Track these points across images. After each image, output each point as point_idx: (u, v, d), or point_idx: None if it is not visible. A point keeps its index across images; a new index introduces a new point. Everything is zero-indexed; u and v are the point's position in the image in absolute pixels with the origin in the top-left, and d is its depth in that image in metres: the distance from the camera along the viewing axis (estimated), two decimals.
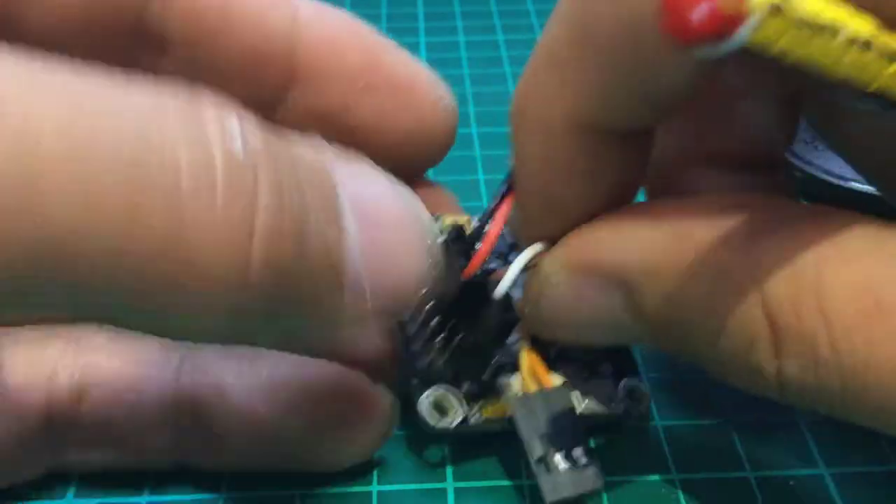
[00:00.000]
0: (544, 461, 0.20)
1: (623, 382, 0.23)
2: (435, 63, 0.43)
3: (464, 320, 0.21)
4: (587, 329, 0.20)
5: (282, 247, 0.15)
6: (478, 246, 0.21)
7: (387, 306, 0.18)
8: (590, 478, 0.20)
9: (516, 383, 0.22)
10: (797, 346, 0.16)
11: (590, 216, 0.19)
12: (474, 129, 0.37)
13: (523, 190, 0.20)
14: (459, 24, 0.47)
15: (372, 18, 0.48)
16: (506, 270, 0.20)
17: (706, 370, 0.19)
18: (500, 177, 0.24)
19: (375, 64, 0.23)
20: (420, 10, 0.48)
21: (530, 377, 0.22)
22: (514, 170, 0.20)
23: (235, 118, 0.15)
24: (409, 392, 0.22)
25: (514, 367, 0.22)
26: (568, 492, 0.20)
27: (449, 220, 0.23)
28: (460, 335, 0.21)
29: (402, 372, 0.21)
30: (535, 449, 0.20)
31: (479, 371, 0.22)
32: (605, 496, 0.22)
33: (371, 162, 0.19)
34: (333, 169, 0.17)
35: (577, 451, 0.21)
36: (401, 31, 0.45)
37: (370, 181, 0.18)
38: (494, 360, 0.22)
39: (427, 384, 0.21)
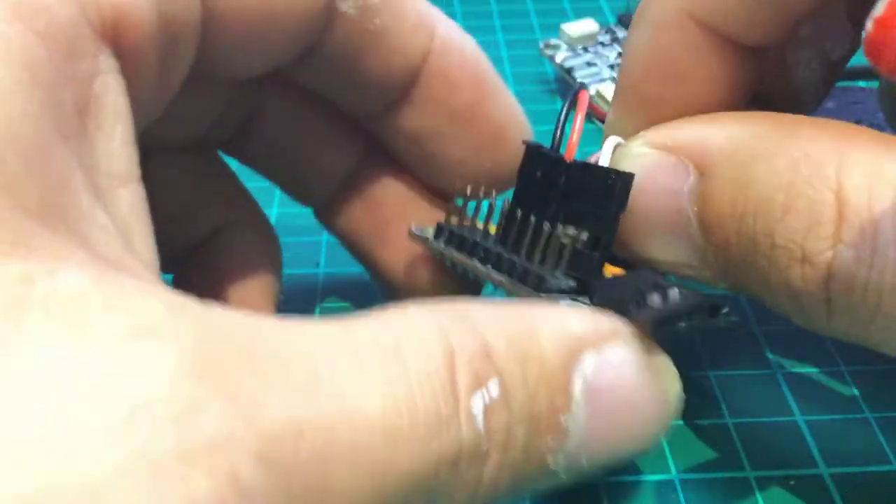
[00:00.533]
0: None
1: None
2: None
3: (576, 212, 0.21)
4: (648, 217, 0.20)
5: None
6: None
7: (602, 464, 0.18)
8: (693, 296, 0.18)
9: None
10: (859, 235, 0.17)
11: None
12: None
13: (622, 86, 0.22)
14: (459, 24, 0.47)
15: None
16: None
17: (750, 289, 0.19)
18: None
19: (482, 105, 0.24)
20: None
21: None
22: (621, 66, 0.22)
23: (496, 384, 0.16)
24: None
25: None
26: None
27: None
28: (582, 234, 0.21)
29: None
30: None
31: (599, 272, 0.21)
32: (605, 496, 0.22)
33: (624, 332, 0.18)
34: (583, 359, 0.17)
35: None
36: None
37: (614, 364, 0.17)
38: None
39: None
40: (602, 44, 0.41)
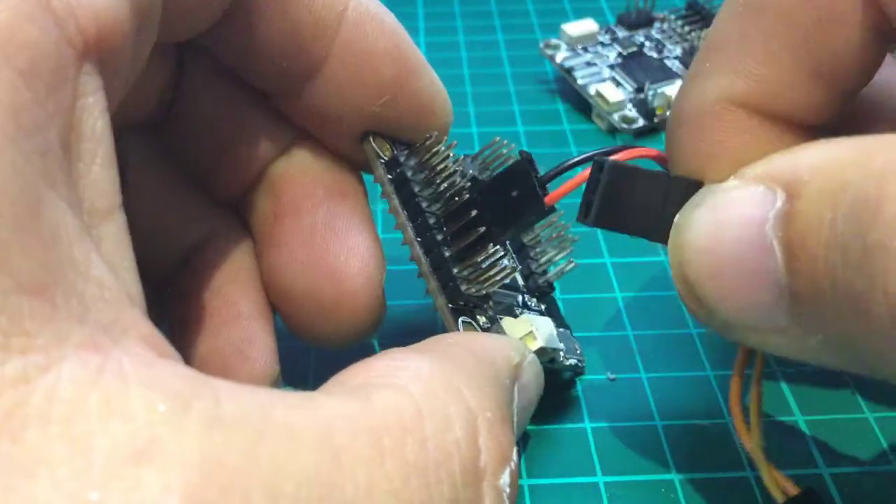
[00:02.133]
0: None
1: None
2: (435, 63, 0.43)
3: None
4: (732, 264, 0.18)
5: None
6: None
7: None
8: None
9: (514, 325, 0.23)
10: None
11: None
12: (474, 129, 0.37)
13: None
14: (459, 24, 0.47)
15: None
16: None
17: (844, 348, 0.16)
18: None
19: (404, 83, 0.23)
20: (420, 10, 0.48)
21: (775, 489, 0.20)
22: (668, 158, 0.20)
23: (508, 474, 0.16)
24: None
25: (510, 308, 0.24)
26: None
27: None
28: (509, 265, 0.22)
29: (429, 290, 0.23)
30: None
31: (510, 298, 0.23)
32: (605, 496, 0.22)
33: (527, 351, 0.21)
34: (515, 389, 0.19)
35: None
36: None
37: (526, 385, 0.20)
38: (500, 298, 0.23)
39: (458, 312, 0.22)
40: (602, 44, 0.41)
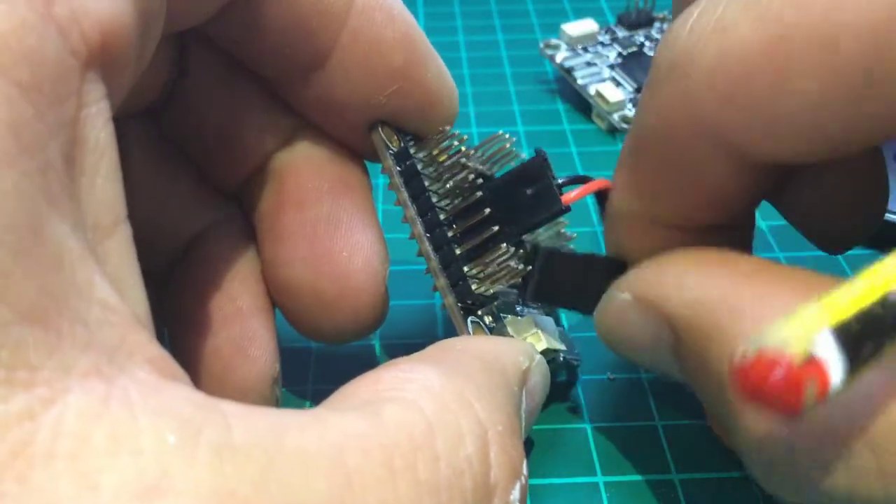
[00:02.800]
0: None
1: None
2: None
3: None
4: (634, 349, 0.21)
5: None
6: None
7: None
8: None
9: (518, 325, 0.23)
10: (821, 445, 0.16)
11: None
12: (474, 129, 0.37)
13: (629, 164, 0.21)
14: (459, 23, 0.47)
15: None
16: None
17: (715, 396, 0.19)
18: (506, 167, 0.25)
19: (413, 72, 0.23)
20: (420, 10, 0.48)
21: None
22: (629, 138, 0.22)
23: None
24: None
25: (511, 307, 0.24)
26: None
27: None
28: (520, 266, 0.22)
29: (437, 287, 0.22)
30: None
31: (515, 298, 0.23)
32: (605, 496, 0.22)
33: (534, 353, 0.21)
34: (523, 393, 0.19)
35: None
36: None
37: (535, 385, 0.20)
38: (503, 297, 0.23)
39: (467, 311, 0.22)
40: (602, 44, 0.41)
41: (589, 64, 0.39)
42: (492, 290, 0.22)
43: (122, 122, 0.21)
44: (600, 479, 0.23)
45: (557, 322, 0.26)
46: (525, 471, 0.16)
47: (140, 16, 0.15)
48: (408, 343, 0.25)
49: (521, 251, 0.22)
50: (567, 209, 0.22)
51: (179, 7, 0.19)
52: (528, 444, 0.24)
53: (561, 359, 0.24)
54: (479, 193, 0.22)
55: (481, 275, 0.22)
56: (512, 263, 0.22)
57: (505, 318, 0.23)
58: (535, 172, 0.22)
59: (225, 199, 0.25)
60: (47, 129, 0.13)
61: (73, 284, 0.13)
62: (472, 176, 0.22)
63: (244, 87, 0.23)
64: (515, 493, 0.16)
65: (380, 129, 0.23)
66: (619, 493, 0.22)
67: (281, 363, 0.23)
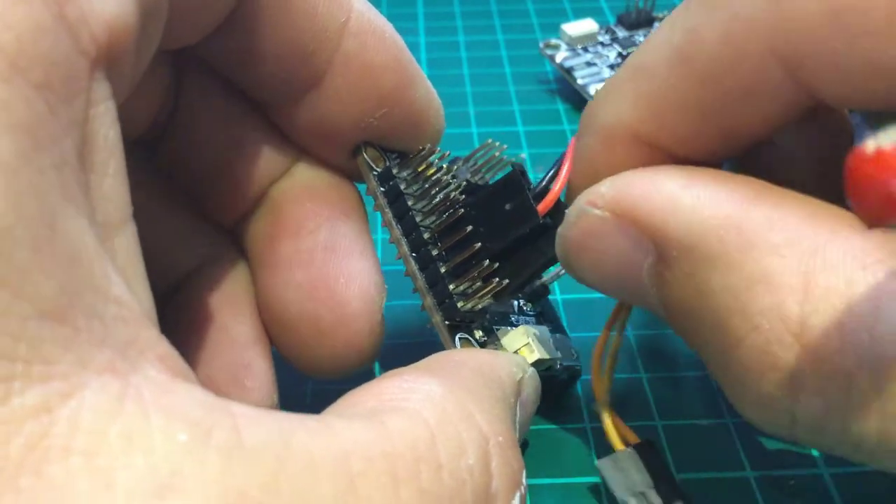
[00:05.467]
0: None
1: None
2: (435, 63, 0.43)
3: (513, 255, 0.22)
4: (605, 275, 0.19)
5: None
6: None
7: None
8: None
9: (510, 338, 0.23)
10: (828, 383, 0.15)
11: None
12: (474, 129, 0.37)
13: (573, 181, 0.21)
14: (459, 24, 0.47)
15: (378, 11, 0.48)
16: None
17: (707, 362, 0.18)
18: (499, 175, 0.25)
19: (403, 93, 0.23)
20: (420, 10, 0.48)
21: (615, 435, 0.22)
22: (573, 160, 0.21)
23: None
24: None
25: (505, 316, 0.24)
26: None
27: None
28: (505, 281, 0.22)
29: (425, 306, 0.22)
30: None
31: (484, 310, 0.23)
32: (604, 495, 0.22)
33: (528, 367, 0.21)
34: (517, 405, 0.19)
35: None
36: (401, 31, 0.45)
37: (527, 396, 0.20)
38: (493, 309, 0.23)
39: (455, 328, 0.22)
40: (602, 44, 0.41)
41: (589, 64, 0.39)
42: (479, 307, 0.22)
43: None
44: (601, 479, 0.23)
45: (558, 327, 0.26)
46: (524, 480, 0.16)
47: (142, 16, 0.15)
48: (406, 345, 0.25)
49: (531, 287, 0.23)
50: (544, 221, 0.22)
51: (178, 20, 0.19)
52: (523, 446, 0.24)
53: (558, 366, 0.24)
54: (462, 210, 0.22)
55: (467, 291, 0.22)
56: (494, 279, 0.22)
57: (497, 329, 0.23)
58: (513, 187, 0.22)
59: (220, 231, 0.25)
60: (61, 127, 0.13)
61: (90, 280, 0.13)
62: (453, 192, 0.22)
63: (242, 118, 0.24)
64: (516, 502, 0.16)
65: (363, 150, 0.23)
66: None
67: (280, 368, 0.23)
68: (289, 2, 0.21)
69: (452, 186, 0.23)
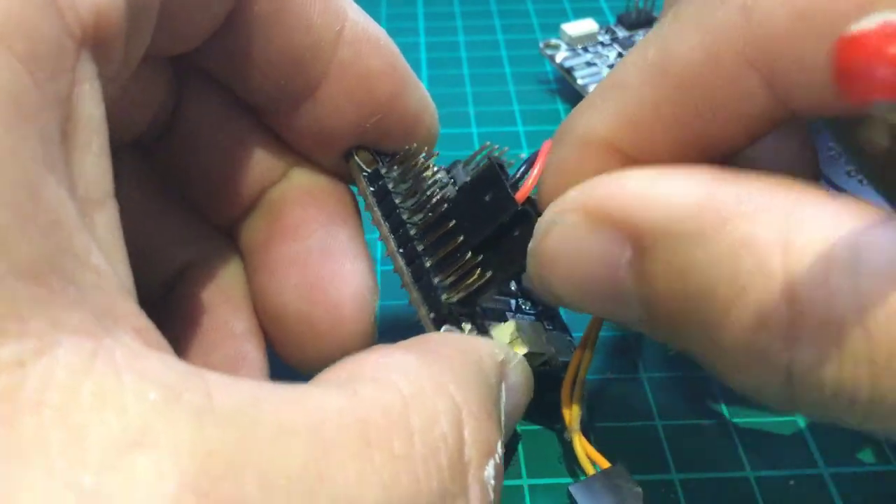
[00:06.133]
0: None
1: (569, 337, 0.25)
2: (435, 63, 0.43)
3: (497, 249, 0.22)
4: (582, 284, 0.19)
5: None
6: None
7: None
8: None
9: (500, 332, 0.23)
10: (820, 332, 0.15)
11: None
12: (474, 129, 0.37)
13: (545, 188, 0.21)
14: (459, 24, 0.47)
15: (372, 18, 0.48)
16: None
17: (701, 360, 0.18)
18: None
19: (398, 100, 0.23)
20: (420, 10, 0.48)
21: (586, 460, 0.22)
22: (546, 168, 0.21)
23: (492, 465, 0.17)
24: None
25: (501, 314, 0.24)
26: None
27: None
28: (488, 273, 0.22)
29: (412, 302, 0.23)
30: None
31: (477, 302, 0.23)
32: None
33: (513, 354, 0.21)
34: (502, 389, 0.19)
35: None
36: (401, 31, 0.45)
37: (513, 387, 0.20)
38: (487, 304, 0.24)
39: (440, 322, 0.22)
40: (602, 44, 0.41)
41: (589, 64, 0.39)
42: (456, 298, 0.22)
43: (117, 154, 0.22)
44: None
45: (558, 325, 0.26)
46: (500, 451, 0.17)
47: (130, 6, 0.16)
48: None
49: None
50: (524, 209, 0.22)
51: (172, 24, 0.19)
52: (515, 439, 0.24)
53: (556, 362, 0.24)
54: (445, 206, 0.23)
55: (450, 284, 0.22)
56: (477, 271, 0.22)
57: (490, 326, 0.23)
58: (491, 179, 0.22)
59: (214, 229, 0.25)
60: (45, 100, 0.13)
61: (69, 247, 0.13)
62: (438, 189, 0.23)
63: (240, 123, 0.24)
64: (489, 470, 0.16)
65: (354, 154, 0.24)
66: None
67: (275, 364, 0.23)
68: (284, 12, 0.21)
69: (437, 184, 0.23)
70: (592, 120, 0.20)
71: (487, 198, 0.22)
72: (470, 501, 0.16)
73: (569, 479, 0.23)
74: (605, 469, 0.22)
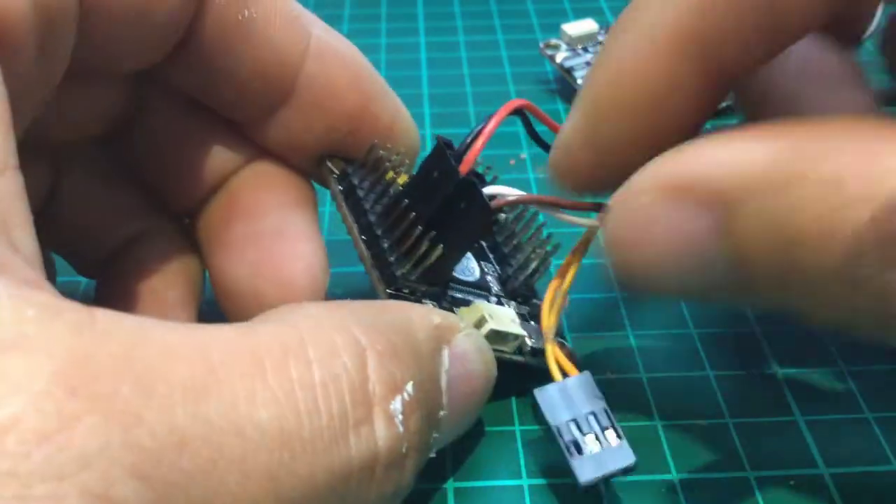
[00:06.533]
0: (576, 444, 0.21)
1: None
2: (435, 63, 0.43)
3: (447, 223, 0.23)
4: (671, 263, 0.19)
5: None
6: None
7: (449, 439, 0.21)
8: (621, 456, 0.21)
9: (467, 312, 0.23)
10: None
11: (649, 147, 0.19)
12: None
13: (592, 95, 0.21)
14: (459, 24, 0.47)
15: (372, 18, 0.49)
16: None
17: (796, 307, 0.18)
18: (499, 176, 0.25)
19: (367, 109, 0.25)
20: (420, 10, 0.48)
21: (556, 369, 0.22)
22: (589, 85, 0.21)
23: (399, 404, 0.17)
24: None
25: (459, 303, 0.24)
26: (601, 472, 0.20)
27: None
28: (438, 240, 0.23)
29: (373, 284, 0.23)
30: (565, 433, 0.21)
31: (444, 279, 0.24)
32: (604, 496, 0.22)
33: (462, 324, 0.21)
34: (443, 353, 0.20)
35: (610, 433, 0.21)
36: (401, 31, 0.45)
37: (461, 353, 0.21)
38: (451, 291, 0.24)
39: (394, 298, 0.23)
40: (602, 44, 0.41)
41: (589, 64, 0.39)
42: (410, 272, 0.23)
43: (72, 144, 0.23)
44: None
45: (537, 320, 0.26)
46: (410, 391, 0.17)
47: (38, 14, 0.16)
48: None
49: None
50: (466, 179, 0.22)
51: (113, 51, 0.20)
52: (525, 440, 0.24)
53: (528, 344, 0.24)
54: (401, 189, 0.24)
55: (402, 258, 0.23)
56: (426, 242, 0.23)
57: (459, 309, 0.24)
58: (438, 157, 0.23)
59: (163, 209, 0.26)
60: None
61: None
62: (396, 177, 0.24)
63: (201, 117, 0.25)
64: (396, 405, 0.17)
65: (327, 162, 0.25)
66: (619, 492, 0.22)
67: None
68: (248, 33, 0.22)
69: (397, 173, 0.24)
70: (571, 135, 0.21)
71: (435, 174, 0.23)
72: (376, 430, 0.16)
73: (570, 480, 0.23)
74: (572, 377, 0.22)
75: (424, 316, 0.20)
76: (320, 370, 0.16)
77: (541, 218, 0.26)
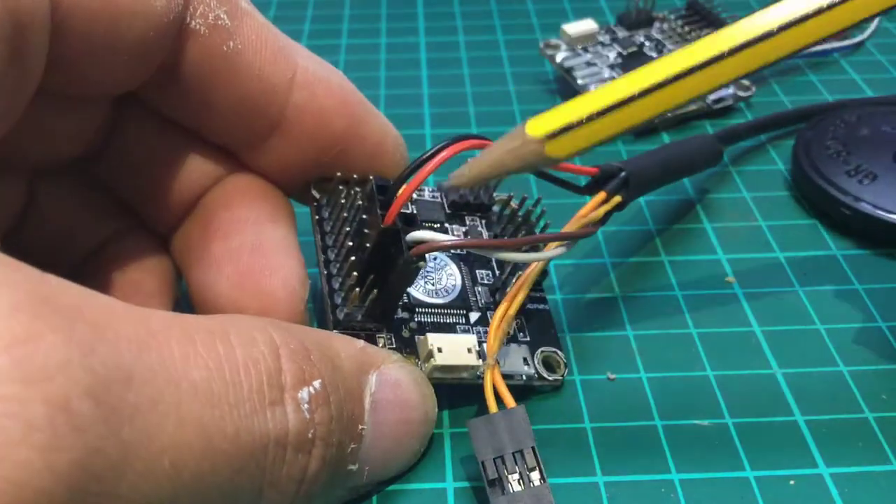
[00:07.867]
0: (499, 482, 0.21)
1: (539, 350, 0.25)
2: (435, 63, 0.43)
3: (380, 267, 0.23)
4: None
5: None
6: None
7: (377, 477, 0.22)
8: (542, 500, 0.21)
9: (426, 343, 0.23)
10: None
11: None
12: (474, 130, 0.37)
13: None
14: (459, 24, 0.47)
15: (372, 18, 0.49)
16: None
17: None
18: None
19: (355, 132, 0.25)
20: (420, 10, 0.48)
21: (491, 396, 0.22)
22: None
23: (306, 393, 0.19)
24: None
25: (426, 328, 0.24)
26: None
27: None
28: (376, 283, 0.23)
29: (323, 325, 0.24)
30: (489, 470, 0.21)
31: (389, 318, 0.24)
32: (605, 496, 0.22)
33: (398, 357, 0.22)
34: (370, 376, 0.21)
35: (535, 474, 0.21)
36: (401, 31, 0.45)
37: (391, 381, 0.21)
38: (409, 318, 0.25)
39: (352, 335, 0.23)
40: (602, 44, 0.41)
41: (589, 64, 0.39)
42: (344, 313, 0.23)
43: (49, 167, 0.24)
44: (600, 479, 0.23)
45: (545, 331, 0.26)
46: (317, 386, 0.19)
47: (8, 14, 0.17)
48: None
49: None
50: (388, 228, 0.23)
51: (95, 72, 0.21)
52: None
53: (474, 377, 0.24)
54: (348, 229, 0.24)
55: (342, 300, 0.23)
56: (357, 290, 0.23)
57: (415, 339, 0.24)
58: (369, 199, 0.24)
59: (131, 218, 0.27)
60: None
61: None
62: (350, 216, 0.24)
63: (178, 137, 0.25)
64: (304, 395, 0.18)
65: (312, 186, 0.26)
66: (619, 493, 0.22)
67: None
68: (234, 65, 0.23)
69: (354, 211, 0.24)
70: None
71: (365, 217, 0.24)
72: (287, 412, 0.18)
73: (570, 480, 0.23)
74: (505, 410, 0.22)
75: (349, 341, 0.21)
76: (242, 352, 0.17)
77: (541, 222, 0.26)
